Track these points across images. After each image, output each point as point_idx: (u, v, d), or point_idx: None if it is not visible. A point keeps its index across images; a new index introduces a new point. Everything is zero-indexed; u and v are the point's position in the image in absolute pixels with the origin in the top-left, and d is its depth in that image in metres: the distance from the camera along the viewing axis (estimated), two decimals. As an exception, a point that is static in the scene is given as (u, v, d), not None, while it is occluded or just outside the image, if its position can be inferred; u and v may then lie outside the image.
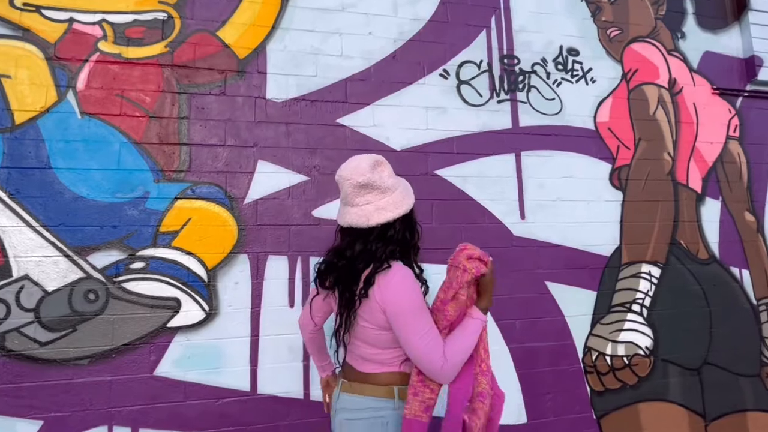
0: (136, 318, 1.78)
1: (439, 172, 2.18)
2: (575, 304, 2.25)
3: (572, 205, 2.33)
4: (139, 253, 1.82)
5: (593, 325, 2.27)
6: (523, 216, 2.26)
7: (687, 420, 2.31)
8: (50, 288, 1.73)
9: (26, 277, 1.72)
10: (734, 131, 2.69)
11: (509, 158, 2.29)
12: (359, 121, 2.13)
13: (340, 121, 2.11)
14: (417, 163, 2.16)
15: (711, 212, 2.55)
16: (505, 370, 2.10)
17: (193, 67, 1.98)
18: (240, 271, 1.90)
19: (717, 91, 2.68)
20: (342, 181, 1.27)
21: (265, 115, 2.02)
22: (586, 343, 2.24)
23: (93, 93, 1.87)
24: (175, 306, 1.82)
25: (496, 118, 2.30)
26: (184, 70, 1.97)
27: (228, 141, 1.97)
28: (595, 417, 2.20)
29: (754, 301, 2.53)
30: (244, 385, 1.84)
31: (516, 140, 2.31)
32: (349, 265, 1.23)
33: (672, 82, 2.62)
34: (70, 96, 1.84)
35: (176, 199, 1.88)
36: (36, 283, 1.72)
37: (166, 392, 1.77)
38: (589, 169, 2.39)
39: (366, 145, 2.12)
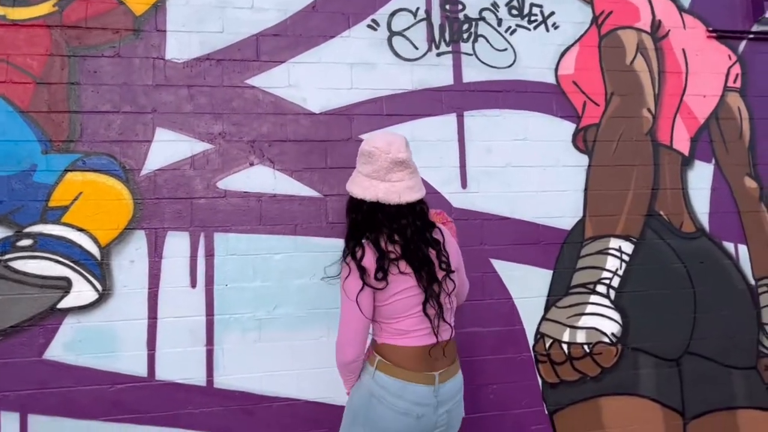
0: (24, 299, 1.67)
1: (365, 136, 1.93)
2: (526, 284, 1.97)
3: (525, 171, 2.03)
4: (27, 230, 1.70)
5: (547, 308, 1.98)
6: (464, 185, 1.98)
7: (661, 416, 2.01)
8: (-67, 267, 1.65)
9: None
10: (734, 81, 2.26)
11: (449, 119, 2.00)
12: (272, 81, 1.90)
13: (249, 81, 1.89)
14: (339, 127, 1.92)
15: (700, 178, 2.17)
16: (440, 358, 1.87)
17: (84, 28, 1.81)
18: (136, 248, 1.75)
19: (714, 34, 2.25)
20: (379, 154, 1.25)
21: (164, 78, 1.84)
22: (538, 328, 1.97)
23: (-24, 59, 1.73)
24: (65, 286, 1.70)
25: (435, 73, 2.01)
26: (75, 31, 1.80)
27: (123, 107, 1.80)
28: (546, 412, 1.93)
29: (752, 282, 2.15)
30: (141, 370, 1.71)
31: (458, 98, 2.02)
32: (418, 240, 1.26)
33: (656, 25, 2.22)
34: (-48, 63, 1.72)
35: (66, 171, 1.74)
36: None
37: (56, 377, 1.66)
38: (547, 129, 2.07)
39: (279, 108, 1.90)
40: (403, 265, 1.23)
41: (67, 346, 1.68)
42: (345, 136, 1.92)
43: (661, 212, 2.12)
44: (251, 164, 1.85)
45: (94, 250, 1.73)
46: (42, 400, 1.65)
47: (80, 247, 1.72)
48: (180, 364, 1.73)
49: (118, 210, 1.75)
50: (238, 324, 1.77)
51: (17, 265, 1.68)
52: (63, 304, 1.69)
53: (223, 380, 1.74)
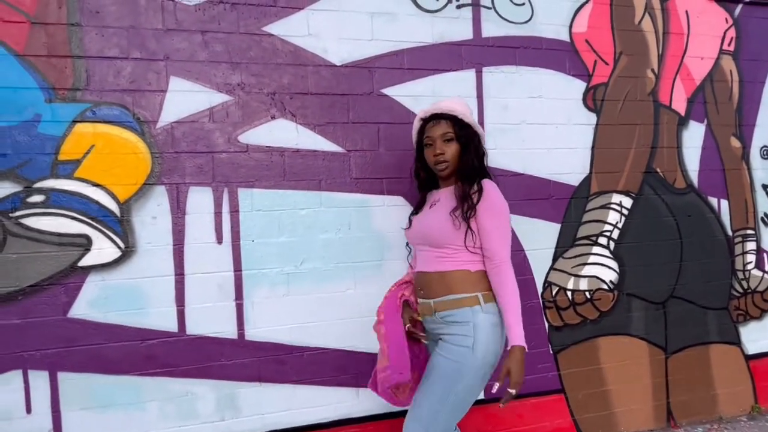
0: (41, 257, 1.60)
1: (386, 90, 1.91)
2: (537, 237, 2.09)
3: (539, 129, 2.09)
4: (37, 185, 1.60)
5: (555, 259, 2.13)
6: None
7: (647, 353, 2.26)
8: (-64, 225, 1.54)
9: None
10: (729, 44, 2.38)
11: (469, 75, 2.01)
12: (291, 29, 1.82)
13: (267, 29, 1.80)
14: (360, 81, 1.88)
15: (693, 137, 2.33)
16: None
17: (81, -40, 1.63)
18: (157, 204, 1.70)
19: (715, -3, 2.34)
20: None
21: (175, 21, 1.71)
22: (546, 277, 2.12)
23: (-43, -8, 1.54)
24: (85, 243, 1.64)
25: (455, 26, 1.99)
26: (70, -36, 1.63)
27: (132, 53, 1.68)
28: (551, 352, 2.12)
29: (730, 233, 2.39)
30: (171, 325, 1.71)
31: (478, 53, 2.02)
32: None
33: (663, -15, 2.27)
34: (-71, -4, 1.52)
35: (74, 122, 1.63)
36: None
37: (84, 334, 1.64)
38: (560, 87, 2.12)
39: (299, 58, 1.83)
40: None
41: (92, 304, 1.65)
42: (367, 90, 1.89)
43: (658, 169, 2.27)
44: (272, 117, 1.80)
45: (112, 206, 1.66)
46: (70, 357, 1.63)
47: (97, 203, 1.65)
48: (210, 319, 1.74)
49: (135, 164, 1.68)
50: (266, 279, 1.79)
51: (30, 222, 1.59)
52: (84, 261, 1.64)
53: (254, 333, 1.78)
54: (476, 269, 1.47)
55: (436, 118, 1.52)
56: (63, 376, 1.62)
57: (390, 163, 1.91)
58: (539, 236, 2.09)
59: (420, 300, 1.56)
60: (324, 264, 1.85)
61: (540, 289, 2.11)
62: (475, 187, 1.46)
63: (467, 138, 1.50)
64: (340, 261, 1.86)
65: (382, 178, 1.90)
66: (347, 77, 1.87)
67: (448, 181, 1.55)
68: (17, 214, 1.58)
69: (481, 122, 2.02)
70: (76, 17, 1.63)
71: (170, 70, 1.71)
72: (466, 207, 1.44)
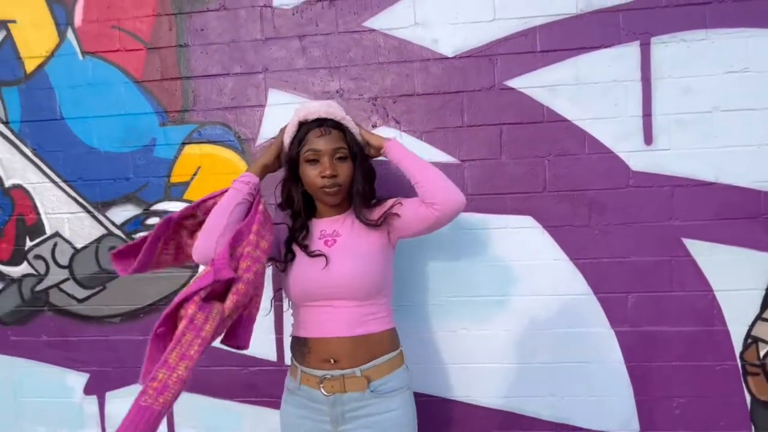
0: (158, 277, 1.64)
1: (511, 82, 1.51)
2: (737, 273, 1.46)
3: (741, 118, 1.45)
4: (154, 207, 1.64)
5: (766, 305, 1.47)
6: (649, 140, 1.48)
7: None
8: (79, 245, 1.68)
9: (57, 234, 1.69)
10: None
11: (630, 51, 1.48)
12: (394, 20, 1.54)
13: (368, 24, 1.56)
14: (479, 73, 1.52)
15: None
16: (608, 362, 1.50)
17: (187, -22, 1.61)
18: (257, 226, 1.61)
19: None
20: None
21: (273, 29, 1.58)
22: (750, 330, 1.48)
23: (90, 28, 1.64)
24: (193, 265, 1.63)
25: (610, -14, 1.48)
26: (178, -17, 1.61)
27: (233, 68, 1.61)
28: (755, 437, 1.49)
29: None
30: (270, 354, 1.62)
31: (644, 19, 1.47)
32: None
33: None
34: (70, 35, 1.65)
35: (183, 144, 1.63)
36: (66, 240, 1.69)
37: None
38: (779, 54, 1.44)
39: (404, 54, 1.54)
40: None
41: (200, 326, 1.64)
42: (486, 84, 1.52)
43: None
44: (374, 126, 1.57)
45: (216, 228, 1.62)
46: (182, 376, 1.65)
47: (204, 225, 1.63)
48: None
49: (236, 184, 1.61)
50: (366, 310, 1.58)
51: (148, 243, 1.65)
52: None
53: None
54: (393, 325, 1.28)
55: (324, 124, 1.20)
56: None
57: (516, 174, 1.51)
58: (741, 271, 1.46)
59: (326, 374, 1.16)
60: (432, 297, 1.56)
61: (739, 347, 1.48)
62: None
63: (361, 157, 1.26)
64: (451, 294, 1.55)
65: (506, 193, 1.52)
66: (461, 71, 1.52)
67: (334, 209, 1.26)
68: (138, 236, 1.65)
69: (648, 113, 1.48)
70: (184, 38, 1.62)
71: (269, 83, 1.59)
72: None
